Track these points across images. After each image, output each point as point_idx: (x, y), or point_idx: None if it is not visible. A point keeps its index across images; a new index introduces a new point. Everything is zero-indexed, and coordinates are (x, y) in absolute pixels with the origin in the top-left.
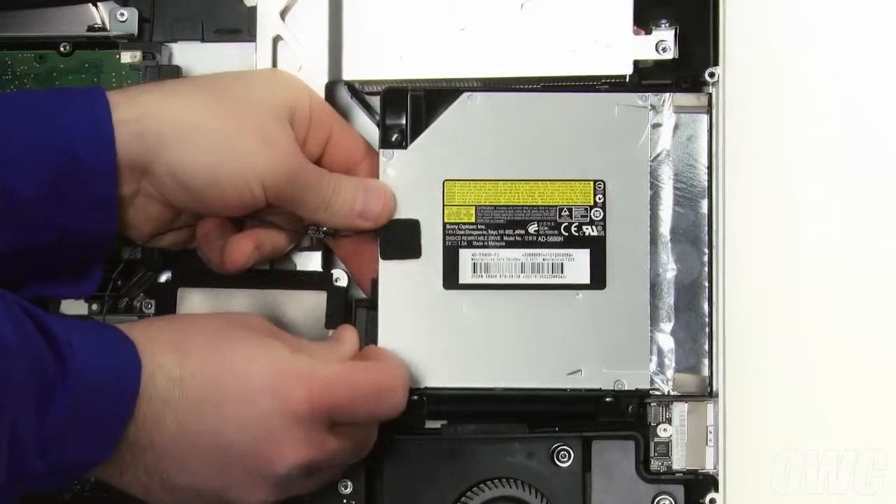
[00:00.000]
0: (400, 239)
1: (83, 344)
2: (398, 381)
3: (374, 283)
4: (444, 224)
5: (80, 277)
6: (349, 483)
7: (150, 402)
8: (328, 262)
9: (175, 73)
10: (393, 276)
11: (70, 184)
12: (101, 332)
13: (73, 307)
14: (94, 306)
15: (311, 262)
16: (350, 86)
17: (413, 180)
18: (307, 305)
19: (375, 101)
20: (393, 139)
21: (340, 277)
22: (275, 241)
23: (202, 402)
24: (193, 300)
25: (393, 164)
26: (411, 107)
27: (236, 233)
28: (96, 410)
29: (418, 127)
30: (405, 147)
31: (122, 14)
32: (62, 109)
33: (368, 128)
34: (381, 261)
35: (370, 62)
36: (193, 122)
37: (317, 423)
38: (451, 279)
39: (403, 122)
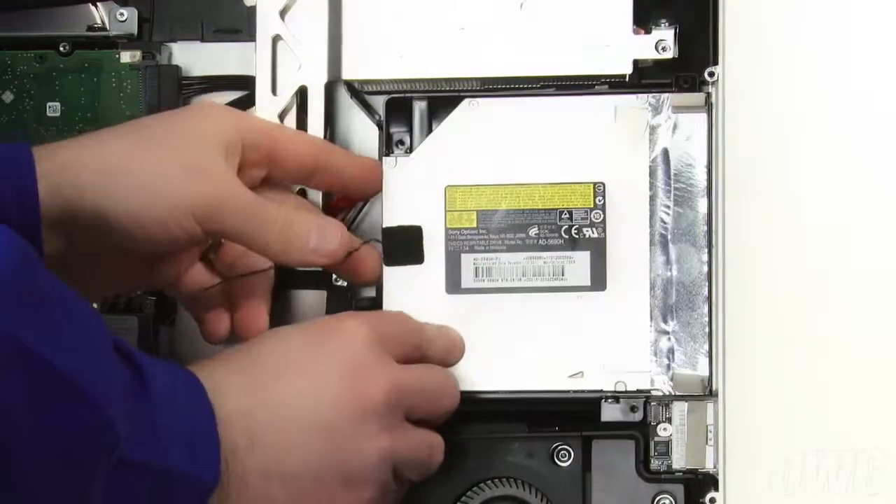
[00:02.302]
0: (403, 245)
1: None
2: (452, 379)
3: (378, 289)
4: (447, 229)
5: None
6: None
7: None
8: None
9: (175, 72)
10: (396, 281)
11: None
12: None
13: None
14: (94, 305)
15: None
16: (349, 85)
17: (416, 187)
18: (307, 305)
19: (375, 101)
20: (396, 146)
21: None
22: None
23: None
24: None
25: (396, 171)
26: (414, 114)
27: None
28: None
29: (421, 134)
30: (408, 154)
31: (121, 14)
32: None
33: (368, 127)
34: (384, 267)
35: (370, 62)
36: (113, 165)
37: (394, 412)
38: (453, 284)
39: (406, 129)
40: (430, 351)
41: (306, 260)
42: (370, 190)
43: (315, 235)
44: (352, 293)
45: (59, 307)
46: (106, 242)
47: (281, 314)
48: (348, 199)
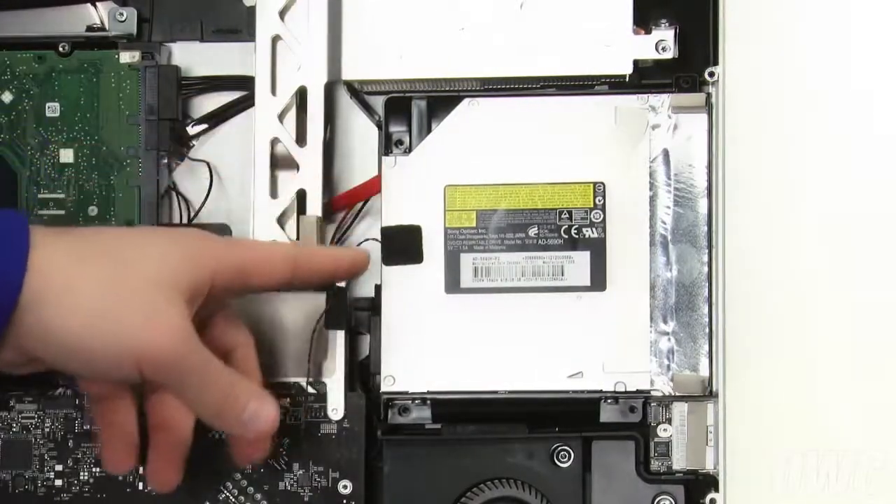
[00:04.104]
0: (402, 245)
1: None
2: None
3: (378, 289)
4: (446, 229)
5: None
6: (349, 483)
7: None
8: None
9: (174, 73)
10: (395, 281)
11: None
12: None
13: None
14: None
15: None
16: (349, 85)
17: (415, 186)
18: (307, 305)
19: (374, 101)
20: (395, 146)
21: None
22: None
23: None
24: None
25: (395, 171)
26: (413, 114)
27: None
28: None
29: (420, 133)
30: (407, 154)
31: (121, 14)
32: None
33: (367, 127)
34: (383, 267)
35: (369, 62)
36: (73, 284)
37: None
38: (452, 284)
39: (406, 129)
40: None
41: (234, 430)
42: (354, 276)
43: (251, 408)
44: (351, 293)
45: None
46: (37, 353)
47: (281, 314)
48: (348, 199)
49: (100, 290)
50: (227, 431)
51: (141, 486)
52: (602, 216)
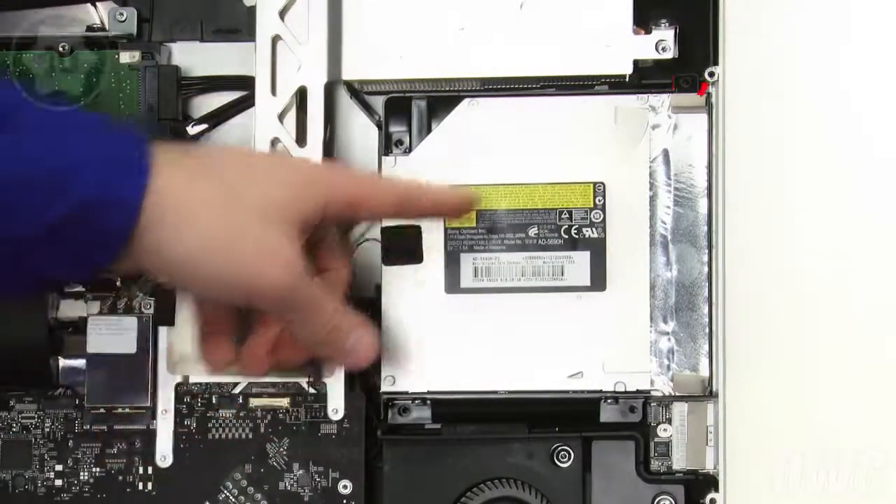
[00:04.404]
0: (402, 245)
1: None
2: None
3: (378, 289)
4: (446, 229)
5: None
6: (349, 483)
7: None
8: None
9: (174, 73)
10: (395, 281)
11: (75, 233)
12: None
13: (73, 309)
14: (94, 307)
15: None
16: (349, 86)
17: None
18: None
19: (374, 101)
20: (395, 146)
21: None
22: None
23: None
24: None
25: (395, 171)
26: (413, 114)
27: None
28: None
29: (420, 133)
30: (407, 154)
31: (121, 14)
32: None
33: (367, 127)
34: (383, 267)
35: (369, 62)
36: (190, 212)
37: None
38: (452, 284)
39: (406, 129)
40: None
41: (335, 357)
42: (463, 215)
43: (353, 339)
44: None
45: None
46: (153, 269)
47: None
48: None
49: (215, 219)
50: (328, 358)
51: (141, 486)
52: (602, 216)
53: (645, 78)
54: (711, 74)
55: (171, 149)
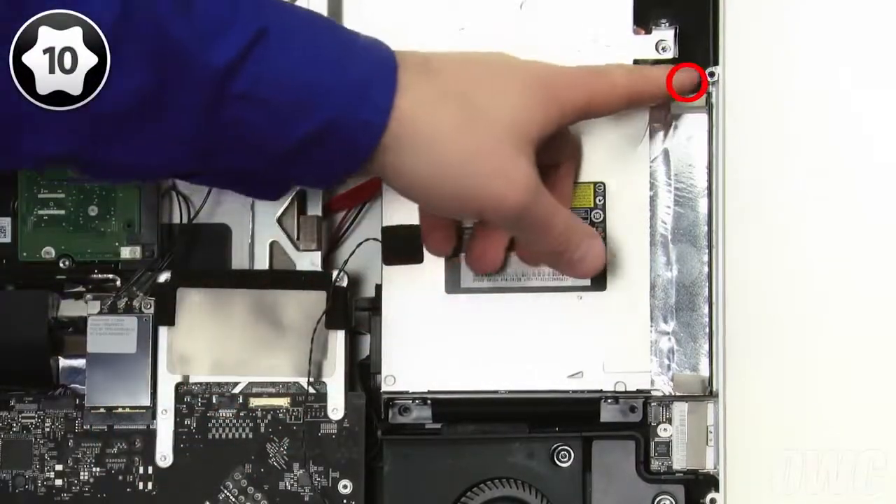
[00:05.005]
0: (402, 244)
1: None
2: None
3: (378, 289)
4: None
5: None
6: (349, 483)
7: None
8: (328, 263)
9: None
10: (395, 281)
11: (321, 147)
12: None
13: (73, 308)
14: (94, 307)
15: (311, 262)
16: None
17: None
18: (307, 305)
19: None
20: None
21: (340, 278)
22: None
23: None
24: (193, 300)
25: None
26: None
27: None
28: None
29: None
30: None
31: None
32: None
33: None
34: (384, 266)
35: None
36: (430, 132)
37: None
38: (452, 284)
39: None
40: None
41: (564, 269)
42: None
43: (583, 250)
44: (351, 293)
45: None
46: (385, 180)
47: (281, 314)
48: (348, 199)
49: (454, 138)
50: (557, 269)
51: (141, 486)
52: (602, 216)
53: None
54: (711, 74)
55: (414, 63)
